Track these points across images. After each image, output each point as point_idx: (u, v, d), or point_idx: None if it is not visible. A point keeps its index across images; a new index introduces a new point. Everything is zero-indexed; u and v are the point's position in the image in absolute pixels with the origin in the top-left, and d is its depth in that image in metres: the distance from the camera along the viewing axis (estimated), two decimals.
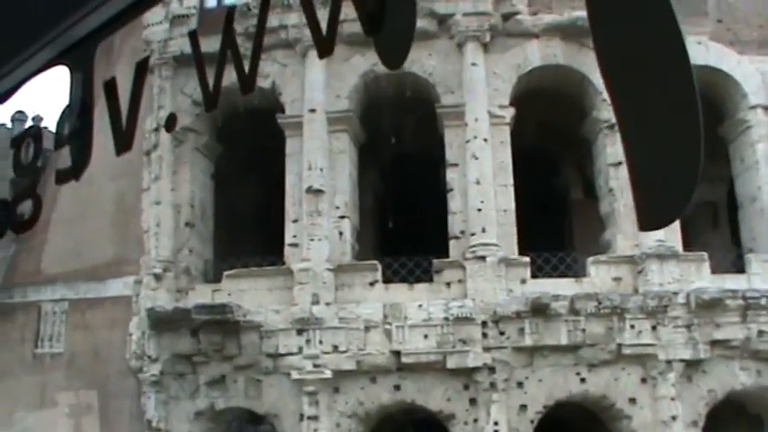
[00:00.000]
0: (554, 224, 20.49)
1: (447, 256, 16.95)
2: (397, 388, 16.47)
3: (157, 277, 17.25)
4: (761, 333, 16.14)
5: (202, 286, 17.42)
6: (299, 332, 16.49)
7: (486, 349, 16.31)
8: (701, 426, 16.69)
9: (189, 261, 17.63)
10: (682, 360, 16.50)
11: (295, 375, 16.18)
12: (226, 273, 17.17)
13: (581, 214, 20.16)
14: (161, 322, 16.85)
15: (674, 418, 16.28)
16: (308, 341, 16.40)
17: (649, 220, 1.58)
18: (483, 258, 16.57)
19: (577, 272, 17.57)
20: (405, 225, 19.80)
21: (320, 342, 16.38)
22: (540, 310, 16.16)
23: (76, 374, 18.07)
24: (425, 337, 16.36)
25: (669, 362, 16.45)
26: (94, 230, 18.52)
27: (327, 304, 16.53)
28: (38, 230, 18.62)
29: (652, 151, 1.51)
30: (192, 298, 17.19)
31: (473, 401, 16.32)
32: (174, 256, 17.43)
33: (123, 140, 1.97)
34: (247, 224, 20.44)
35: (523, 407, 16.37)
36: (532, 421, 16.45)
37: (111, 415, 17.61)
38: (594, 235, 19.06)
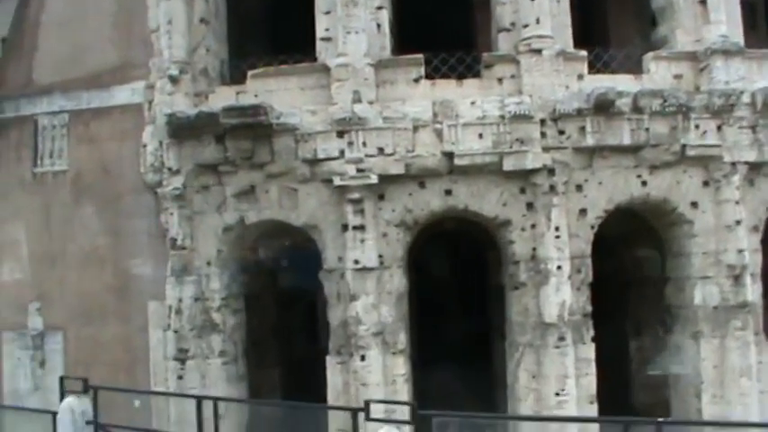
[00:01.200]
0: (598, 17, 18.98)
1: (486, 51, 15.53)
2: (449, 193, 15.29)
3: (173, 80, 15.62)
4: None
5: (224, 88, 15.87)
6: (340, 134, 15.09)
7: (546, 149, 15.13)
8: (761, 230, 15.84)
9: (206, 61, 16.04)
10: (746, 162, 15.46)
11: (337, 182, 14.84)
12: (251, 72, 15.54)
13: (623, 6, 18.72)
14: (182, 129, 15.34)
15: (737, 222, 15.37)
16: (350, 144, 15.04)
17: None
18: (538, 52, 15.11)
19: (631, 68, 16.23)
20: (424, 22, 18.11)
21: (364, 144, 15.03)
22: (603, 107, 14.94)
23: (84, 193, 16.50)
24: (480, 136, 15.09)
25: (734, 164, 15.46)
26: (93, 33, 16.71)
27: (370, 103, 15.10)
28: (26, 35, 16.72)
29: None
30: (213, 102, 15.58)
31: (530, 206, 15.21)
32: (190, 57, 15.79)
33: None
34: (256, 23, 18.67)
35: (583, 211, 15.36)
36: (592, 227, 15.43)
37: (126, 236, 16.23)
38: (643, 30, 17.67)
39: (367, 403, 10.76)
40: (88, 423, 11.55)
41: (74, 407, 10.91)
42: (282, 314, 19.12)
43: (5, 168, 17.14)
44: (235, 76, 16.55)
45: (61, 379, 12.68)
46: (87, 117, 16.73)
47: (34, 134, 17.08)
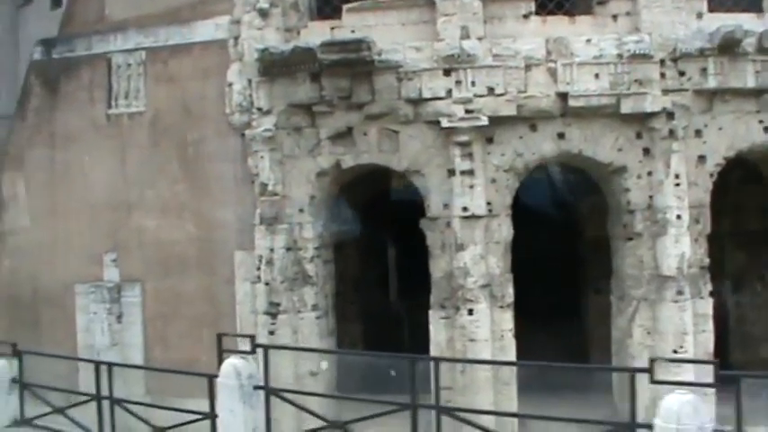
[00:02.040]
0: None
1: None
2: (561, 136, 14.41)
3: (263, 14, 14.74)
4: None
5: (317, 23, 14.94)
6: (447, 72, 14.22)
7: (665, 92, 14.27)
8: None
9: None
10: None
11: (445, 123, 13.97)
12: (347, 6, 14.65)
13: None
14: (274, 66, 14.46)
15: None
16: (457, 83, 14.19)
17: None
18: None
19: (747, 7, 15.37)
20: None
21: (473, 84, 14.18)
22: (728, 47, 14.10)
23: (163, 136, 15.62)
24: (596, 77, 14.27)
25: None
26: None
27: (479, 39, 14.18)
28: None
29: None
30: (305, 37, 14.71)
31: (647, 152, 14.37)
32: None
33: None
34: None
35: (702, 158, 14.52)
36: (711, 174, 14.62)
37: (209, 181, 15.37)
38: None
39: (652, 361, 9.28)
40: (256, 388, 10.09)
41: (240, 369, 9.50)
42: (364, 266, 18.28)
43: (77, 110, 16.28)
44: (324, 10, 15.51)
45: (219, 336, 11.37)
46: (165, 55, 15.82)
47: (108, 74, 16.22)
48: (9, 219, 16.94)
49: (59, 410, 9.98)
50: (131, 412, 10.34)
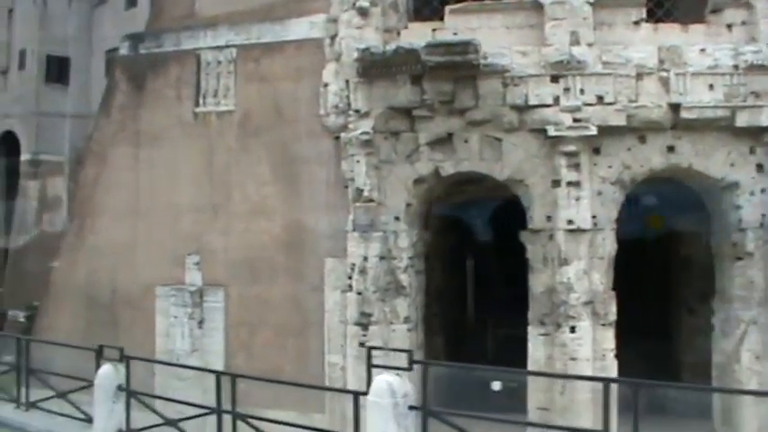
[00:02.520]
0: None
1: None
2: (671, 149, 13.92)
3: (363, 12, 14.52)
4: None
5: (417, 24, 14.66)
6: (555, 79, 13.96)
7: None
8: None
9: None
10: None
11: (551, 132, 13.57)
12: (449, 8, 14.36)
13: None
14: (374, 67, 14.22)
15: None
16: (566, 90, 13.91)
17: None
18: None
19: None
20: None
21: (581, 91, 13.86)
22: None
23: (253, 136, 15.27)
24: (710, 87, 13.78)
25: None
26: None
27: (589, 45, 13.76)
28: None
29: None
30: (405, 38, 14.45)
31: (760, 168, 13.87)
32: None
33: None
34: None
35: None
36: None
37: (300, 185, 15.02)
38: None
39: None
40: (411, 408, 8.86)
41: (395, 387, 8.37)
42: (447, 278, 17.83)
43: (164, 108, 16.08)
44: (423, 12, 15.14)
45: (369, 350, 10.39)
46: (257, 53, 15.61)
47: (197, 71, 16.08)
48: (90, 217, 16.56)
49: (171, 423, 9.34)
50: (253, 426, 9.77)
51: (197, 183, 16.03)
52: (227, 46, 16.13)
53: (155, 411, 9.51)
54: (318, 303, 15.14)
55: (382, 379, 8.48)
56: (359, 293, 14.76)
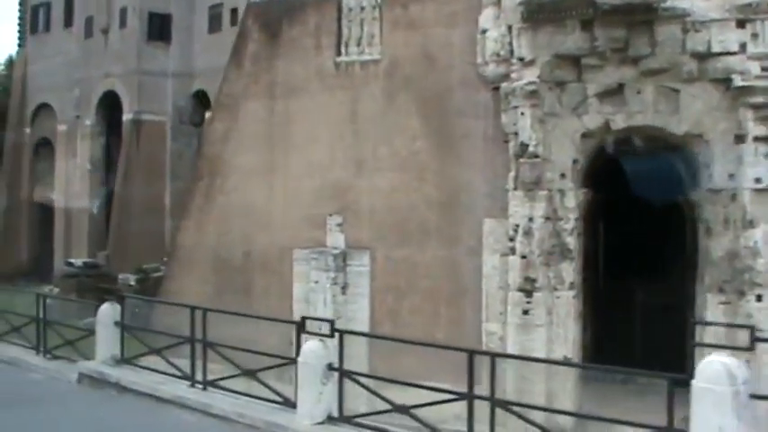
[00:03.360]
0: None
1: None
2: None
3: None
4: None
5: None
6: (741, 24, 13.82)
7: None
8: None
9: None
10: None
11: (737, 82, 13.30)
12: None
13: None
14: (541, 12, 13.98)
15: None
16: (753, 36, 13.66)
17: None
18: None
19: None
20: None
21: None
22: None
23: (401, 87, 15.16)
24: None
25: None
26: None
27: None
28: None
29: None
30: None
31: None
32: None
33: None
34: None
35: None
36: None
37: (454, 139, 14.93)
38: None
39: None
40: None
41: (734, 372, 6.69)
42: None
43: (302, 58, 16.11)
44: None
45: (693, 324, 9.14)
46: None
47: (338, 18, 16.12)
48: (219, 176, 16.59)
49: (401, 409, 8.58)
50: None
51: (339, 137, 16.06)
52: None
53: (376, 394, 8.96)
54: (475, 268, 15.12)
55: (718, 362, 7.17)
56: (523, 257, 14.72)
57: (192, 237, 17.46)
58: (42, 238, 38.20)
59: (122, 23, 35.03)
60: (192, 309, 10.01)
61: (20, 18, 41.23)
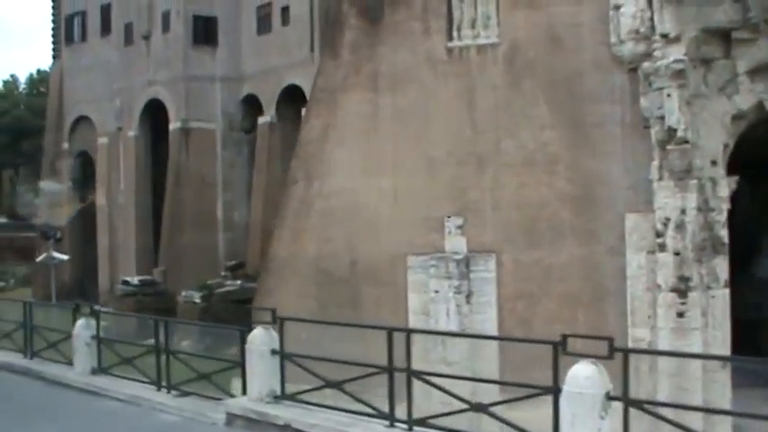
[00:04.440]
0: None
1: None
2: None
3: None
4: None
5: None
6: None
7: None
8: None
9: None
10: None
11: None
12: None
13: None
14: None
15: None
16: None
17: None
18: None
19: None
20: None
21: None
22: None
23: (524, 73, 13.94)
24: None
25: None
26: None
27: None
28: None
29: None
30: None
31: None
32: None
33: None
34: None
35: None
36: None
37: (588, 127, 14.18)
38: None
39: None
40: None
41: None
42: None
43: (408, 45, 15.40)
44: None
45: None
46: None
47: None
48: (318, 178, 15.36)
49: None
50: None
51: (456, 130, 15.23)
52: None
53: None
54: (617, 268, 14.26)
55: None
56: (676, 253, 13.55)
57: (287, 247, 16.39)
58: (86, 255, 37.15)
59: (165, 28, 34.20)
60: (390, 330, 8.36)
61: (53, 30, 40.29)
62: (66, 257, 30.36)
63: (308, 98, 30.90)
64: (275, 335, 9.57)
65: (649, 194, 14.06)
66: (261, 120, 33.55)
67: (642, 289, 14.33)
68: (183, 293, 27.08)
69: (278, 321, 9.58)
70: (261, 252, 28.04)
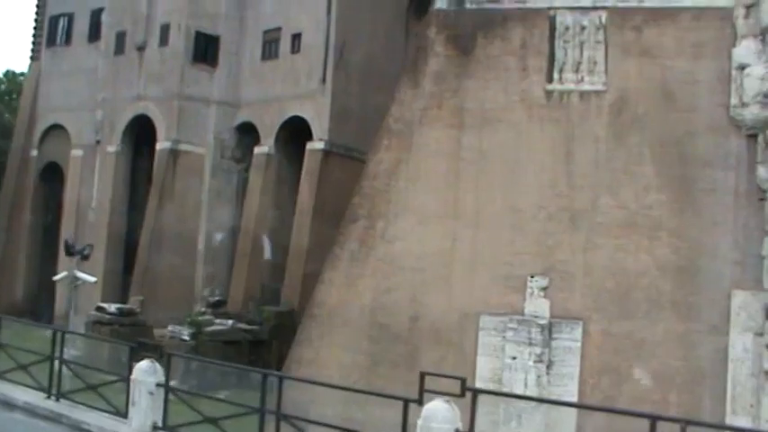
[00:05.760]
0: None
1: None
2: None
3: None
4: None
5: None
6: None
7: None
8: None
9: None
10: None
11: None
12: None
13: None
14: None
15: None
16: None
17: None
18: None
19: None
20: None
21: None
22: None
23: (631, 127, 13.12)
24: None
25: None
26: None
27: None
28: None
29: None
30: None
31: None
32: None
33: None
34: None
35: None
36: None
37: (698, 193, 13.38)
38: None
39: None
40: None
41: None
42: None
43: (502, 81, 14.87)
44: None
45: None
46: (638, 20, 14.87)
47: (550, 37, 15.01)
48: (383, 218, 14.25)
49: None
50: None
51: (548, 182, 14.79)
52: (595, 8, 14.49)
53: None
54: (717, 349, 13.86)
55: None
56: None
57: (339, 293, 15.48)
58: (43, 272, 35.13)
59: (163, 41, 32.93)
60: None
61: (35, 29, 38.52)
62: (93, 279, 28.16)
63: (313, 132, 30.24)
64: None
65: (759, 271, 14.01)
66: (257, 150, 32.16)
67: (746, 374, 14.23)
68: (170, 328, 25.54)
69: None
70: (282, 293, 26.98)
